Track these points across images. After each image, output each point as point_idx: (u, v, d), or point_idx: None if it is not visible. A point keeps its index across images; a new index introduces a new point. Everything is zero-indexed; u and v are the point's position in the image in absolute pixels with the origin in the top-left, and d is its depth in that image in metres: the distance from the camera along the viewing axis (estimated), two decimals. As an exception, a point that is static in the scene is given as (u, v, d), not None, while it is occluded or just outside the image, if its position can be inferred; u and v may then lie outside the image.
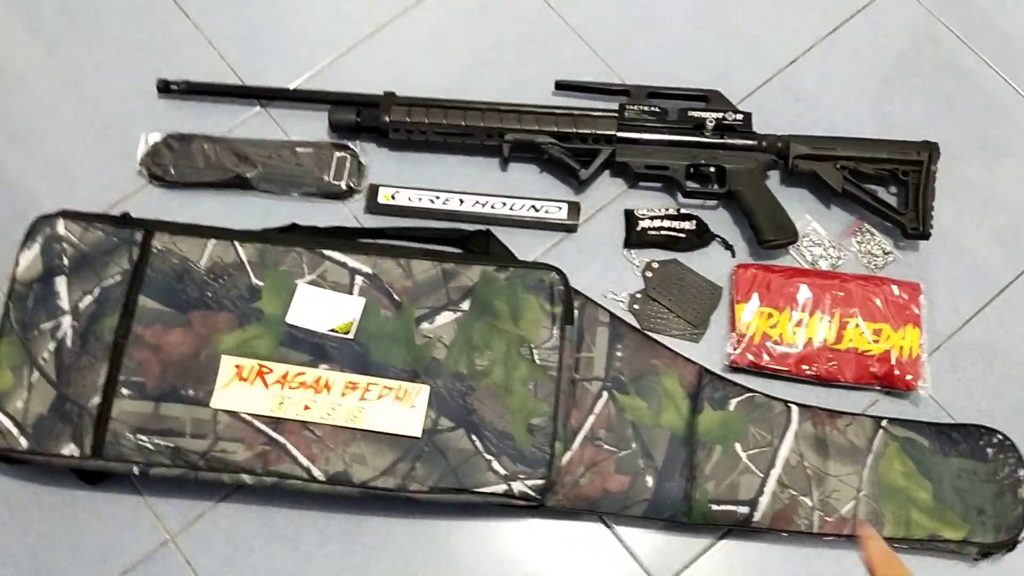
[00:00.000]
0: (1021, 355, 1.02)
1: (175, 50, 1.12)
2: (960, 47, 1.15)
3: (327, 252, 0.96)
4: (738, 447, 0.92)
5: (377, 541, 0.94)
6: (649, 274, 1.03)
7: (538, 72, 1.12)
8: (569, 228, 1.05)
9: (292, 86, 1.11)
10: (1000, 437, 0.95)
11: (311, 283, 0.95)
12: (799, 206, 1.06)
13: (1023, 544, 0.93)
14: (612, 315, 0.98)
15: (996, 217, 1.08)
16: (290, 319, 0.93)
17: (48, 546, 0.92)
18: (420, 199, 1.04)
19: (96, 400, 0.89)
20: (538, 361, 0.92)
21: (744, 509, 0.90)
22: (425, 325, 0.94)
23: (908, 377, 0.96)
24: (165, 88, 1.08)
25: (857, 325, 0.98)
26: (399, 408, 0.90)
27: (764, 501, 0.90)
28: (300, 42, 1.14)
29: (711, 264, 1.04)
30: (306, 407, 0.90)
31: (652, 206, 1.05)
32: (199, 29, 1.14)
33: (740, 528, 0.91)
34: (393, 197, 1.04)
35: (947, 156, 1.07)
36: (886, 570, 0.39)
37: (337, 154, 1.05)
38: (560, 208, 1.04)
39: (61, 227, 0.94)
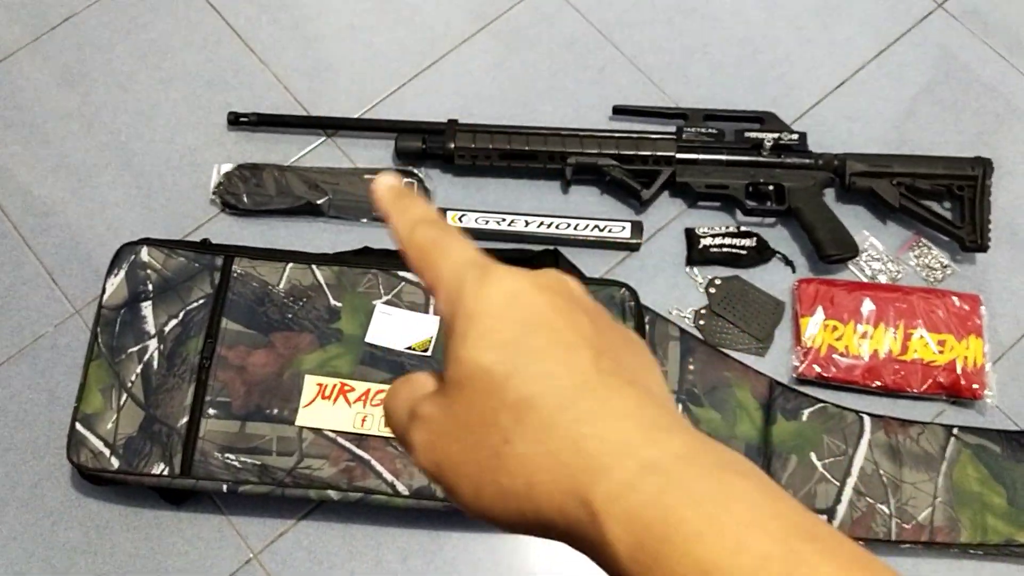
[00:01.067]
0: (1083, 363, 1.03)
1: (244, 85, 1.17)
2: (1006, 67, 1.18)
3: (401, 273, 0.99)
4: (813, 456, 0.94)
5: (457, 556, 0.95)
6: (712, 290, 1.05)
7: (595, 98, 1.16)
8: (632, 247, 1.07)
9: (356, 116, 1.15)
10: (1069, 443, 0.96)
11: (388, 303, 0.97)
12: (856, 222, 1.09)
13: (1097, 550, 0.93)
14: (682, 330, 1.00)
15: (1050, 229, 1.10)
16: (369, 338, 0.95)
17: (134, 566, 0.94)
18: (487, 221, 1.07)
19: (184, 420, 0.91)
20: (612, 375, 0.94)
21: (823, 518, 0.91)
22: (500, 342, 0.96)
23: (974, 387, 0.98)
24: (235, 121, 1.12)
25: (921, 336, 1.00)
26: (478, 423, 0.92)
27: (842, 509, 0.92)
28: (363, 73, 1.18)
29: (772, 280, 1.06)
30: (388, 424, 0.91)
31: (712, 224, 1.08)
32: (265, 64, 1.18)
33: (816, 537, 0.92)
34: (460, 220, 1.07)
35: (1000, 171, 1.10)
36: (404, 212, 0.33)
37: (404, 180, 1.08)
38: (623, 228, 1.06)
39: (145, 254, 0.98)
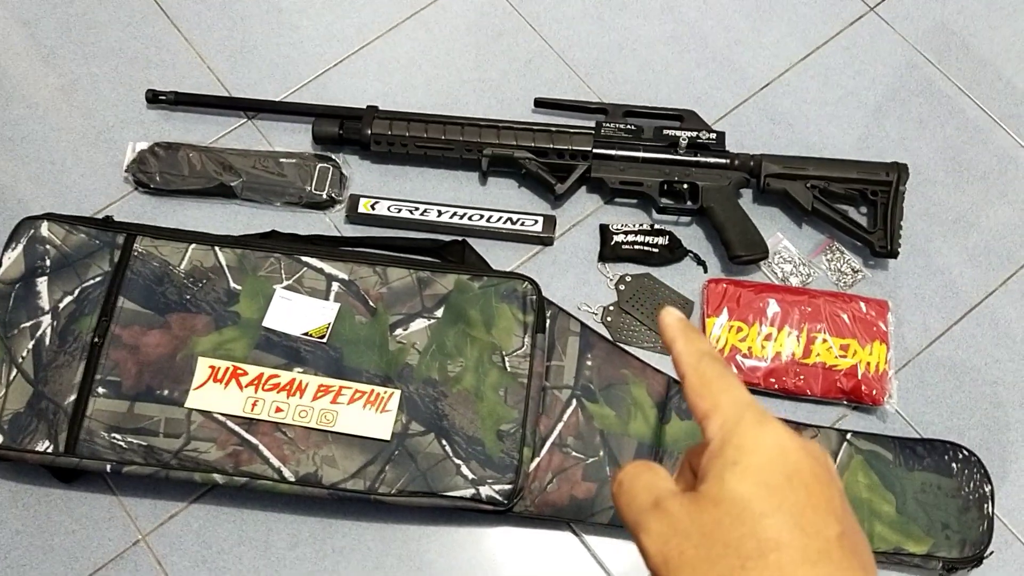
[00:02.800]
0: (990, 373, 1.03)
1: (168, 63, 1.16)
2: (933, 72, 1.18)
3: (305, 258, 0.98)
4: (704, 457, 0.93)
5: (347, 545, 0.94)
6: (622, 287, 1.05)
7: (520, 90, 1.15)
8: (545, 241, 1.07)
9: (279, 99, 1.14)
10: (966, 452, 0.96)
11: (288, 288, 0.96)
12: (771, 224, 1.08)
13: (989, 560, 0.93)
14: (583, 325, 0.99)
15: (967, 237, 1.10)
16: (267, 323, 0.95)
17: (21, 543, 0.93)
18: (399, 210, 1.06)
19: (72, 398, 0.90)
20: (509, 368, 0.94)
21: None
22: (399, 331, 0.95)
23: (875, 392, 0.98)
24: (154, 99, 1.11)
25: (825, 340, 1.00)
26: (370, 412, 0.92)
27: (728, 510, 0.91)
28: (288, 57, 1.17)
29: (684, 279, 1.06)
30: (279, 409, 0.91)
31: (627, 221, 1.07)
32: (190, 43, 1.17)
33: (706, 538, 0.92)
34: (373, 207, 1.06)
35: (920, 178, 1.10)
36: (691, 343, 0.38)
37: (320, 165, 1.08)
38: (536, 221, 1.06)
39: (45, 229, 0.97)
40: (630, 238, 1.05)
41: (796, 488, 0.33)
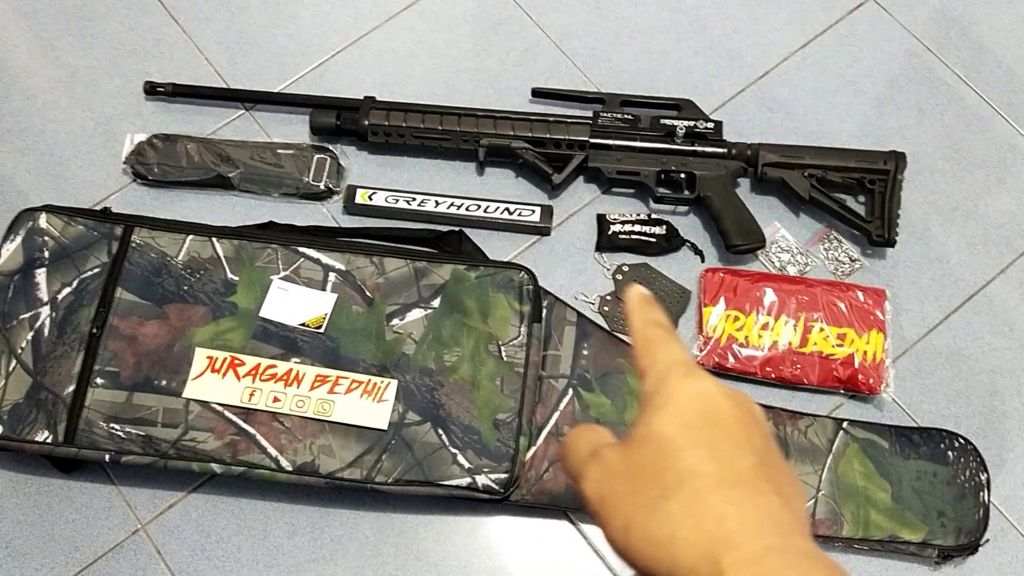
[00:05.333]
0: (987, 361, 1.03)
1: (166, 55, 1.16)
2: (933, 60, 1.17)
3: (302, 249, 0.98)
4: (700, 445, 0.93)
5: (345, 534, 0.95)
6: (619, 277, 1.05)
7: (518, 80, 1.15)
8: (542, 231, 1.07)
9: (277, 90, 1.14)
10: (962, 440, 0.96)
11: (285, 278, 0.97)
12: (769, 213, 1.08)
13: (985, 548, 0.93)
14: (579, 314, 0.99)
15: (965, 226, 1.09)
16: (264, 313, 0.95)
17: (21, 532, 0.94)
18: (396, 200, 1.06)
19: (71, 389, 0.91)
20: (505, 358, 0.94)
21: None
22: (395, 321, 0.96)
23: (871, 381, 0.98)
24: (152, 90, 1.11)
25: (822, 329, 1.00)
26: (367, 402, 0.92)
27: (724, 499, 0.91)
28: (286, 48, 1.17)
29: (681, 268, 1.06)
30: (276, 399, 0.91)
31: (624, 211, 1.07)
32: (187, 34, 1.17)
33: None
34: (370, 198, 1.06)
35: (918, 166, 1.10)
36: (642, 313, 0.42)
37: (317, 156, 1.08)
38: (533, 211, 1.06)
39: (43, 221, 0.97)
40: (627, 228, 1.05)
41: (715, 426, 0.36)
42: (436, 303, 0.96)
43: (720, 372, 0.99)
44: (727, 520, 0.33)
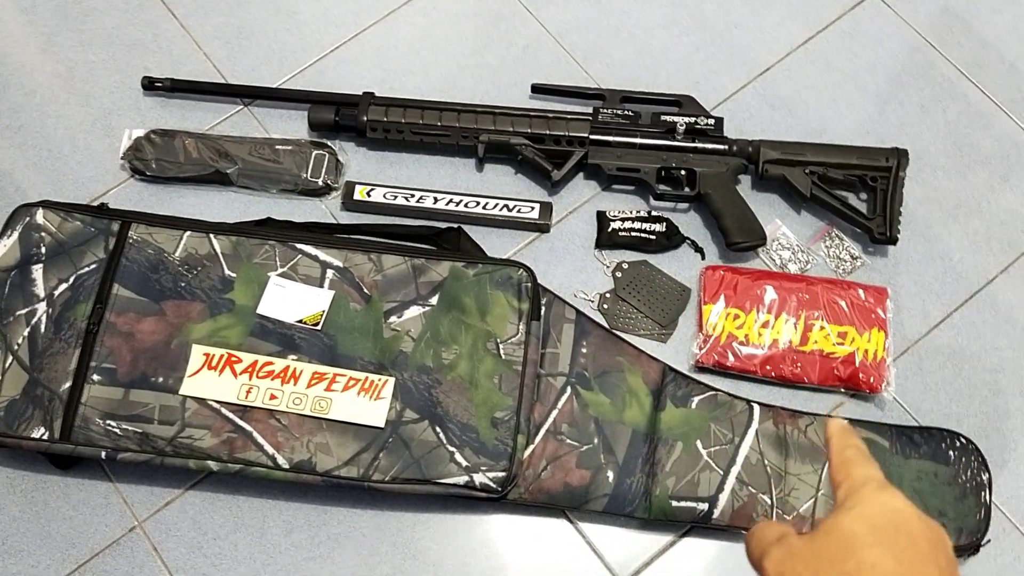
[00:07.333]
0: (989, 361, 1.02)
1: (164, 50, 1.15)
2: (935, 56, 1.16)
3: (299, 246, 0.98)
4: (699, 444, 0.93)
5: (342, 532, 0.94)
6: (619, 274, 1.04)
7: (517, 76, 1.14)
8: (542, 228, 1.06)
9: (275, 86, 1.13)
10: (963, 440, 0.95)
11: (283, 275, 0.96)
12: (770, 210, 1.07)
13: (986, 548, 0.93)
14: (578, 312, 0.99)
15: (967, 224, 1.08)
16: (261, 310, 0.95)
17: (18, 529, 0.94)
18: (395, 197, 1.06)
19: (67, 385, 0.90)
20: (504, 356, 0.94)
21: (703, 506, 0.91)
22: (393, 319, 0.95)
23: (872, 380, 0.97)
24: (150, 86, 1.11)
25: (823, 327, 0.99)
26: (365, 399, 0.91)
27: (723, 498, 0.91)
28: (285, 43, 1.16)
29: (681, 266, 1.05)
30: (273, 396, 0.91)
31: (624, 208, 1.07)
32: (186, 30, 1.16)
33: (700, 525, 0.92)
34: (369, 194, 1.06)
35: (921, 163, 1.09)
36: (842, 439, 0.48)
37: (316, 152, 1.07)
38: (532, 208, 1.05)
39: (40, 217, 0.97)
40: (627, 225, 1.05)
41: (902, 535, 0.40)
42: (434, 300, 0.96)
43: (720, 371, 0.99)
44: None
